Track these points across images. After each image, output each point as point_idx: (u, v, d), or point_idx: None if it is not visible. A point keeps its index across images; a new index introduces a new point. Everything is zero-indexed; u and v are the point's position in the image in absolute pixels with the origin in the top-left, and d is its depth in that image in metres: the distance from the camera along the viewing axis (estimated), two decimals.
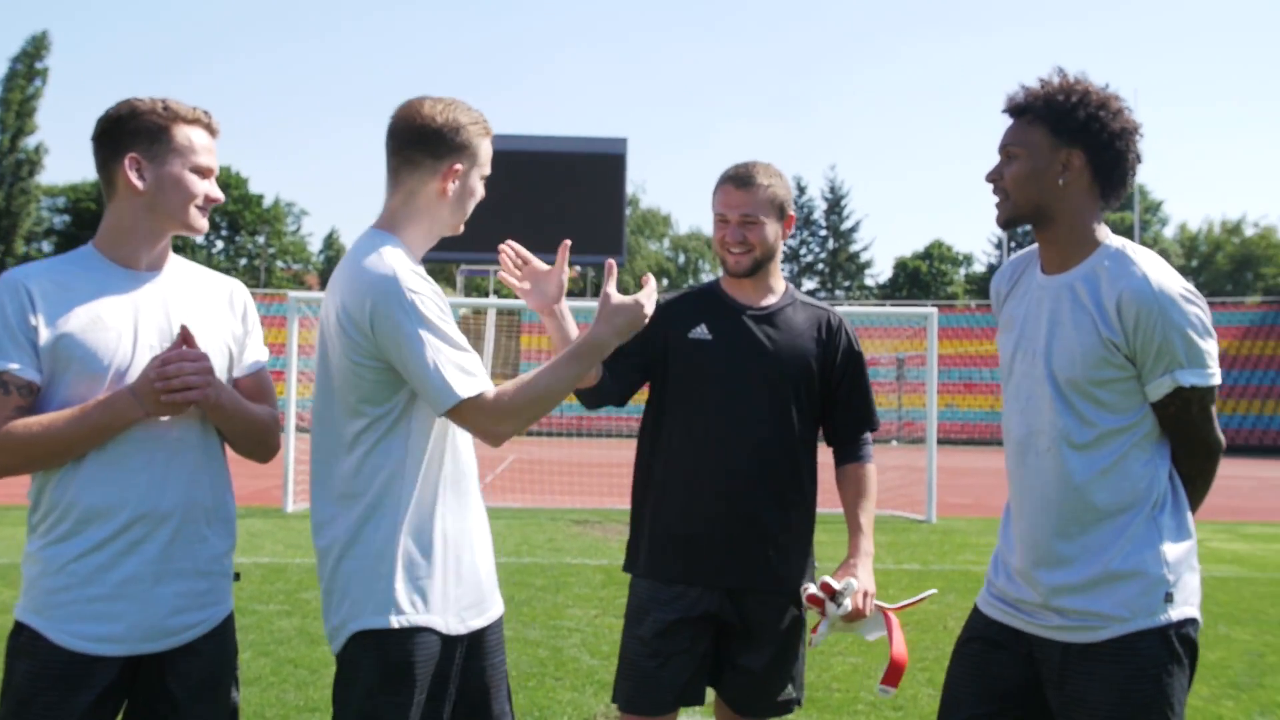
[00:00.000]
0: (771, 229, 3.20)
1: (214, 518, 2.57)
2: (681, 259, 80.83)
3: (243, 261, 70.72)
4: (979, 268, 74.84)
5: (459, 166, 2.59)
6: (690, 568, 3.13)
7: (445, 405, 2.43)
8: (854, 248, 75.62)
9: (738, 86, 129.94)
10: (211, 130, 2.59)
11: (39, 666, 2.39)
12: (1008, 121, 2.65)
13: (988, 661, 2.69)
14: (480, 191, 2.69)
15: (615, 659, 6.31)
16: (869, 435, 3.33)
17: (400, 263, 2.47)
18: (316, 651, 6.33)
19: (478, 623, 2.61)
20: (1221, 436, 2.61)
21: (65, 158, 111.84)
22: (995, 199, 2.67)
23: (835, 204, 75.18)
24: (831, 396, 3.27)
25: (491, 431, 2.48)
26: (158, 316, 2.52)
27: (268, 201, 72.44)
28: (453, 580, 2.54)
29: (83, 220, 62.02)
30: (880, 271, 78.43)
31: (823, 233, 75.13)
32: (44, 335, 2.40)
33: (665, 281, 78.28)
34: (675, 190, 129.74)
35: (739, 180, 3.20)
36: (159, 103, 2.52)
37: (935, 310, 17.02)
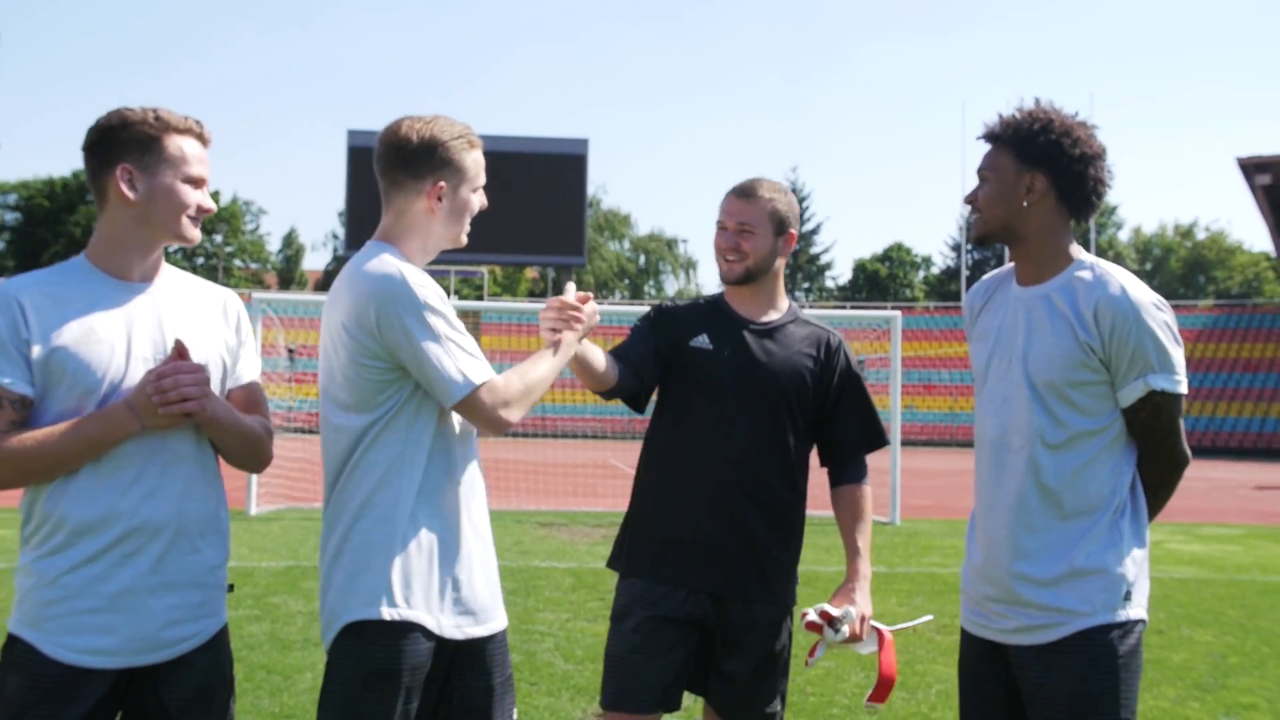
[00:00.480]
0: (766, 241, 3.23)
1: (207, 530, 2.56)
2: (642, 260, 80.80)
3: (200, 260, 69.87)
4: (937, 270, 75.47)
5: (443, 183, 2.63)
6: (677, 571, 3.15)
7: (462, 392, 2.49)
8: (815, 250, 76.03)
9: (699, 87, 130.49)
10: (203, 140, 2.58)
11: (32, 679, 2.38)
12: (985, 147, 2.81)
13: (982, 678, 2.83)
14: (476, 204, 2.73)
15: (590, 663, 6.32)
16: (864, 457, 3.35)
17: (402, 262, 2.54)
18: (289, 657, 6.29)
19: (476, 631, 2.62)
20: (1188, 451, 2.75)
21: (16, 155, 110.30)
22: (973, 217, 2.84)
23: None
24: (828, 416, 3.30)
25: (499, 418, 2.54)
26: (151, 328, 2.51)
27: (225, 200, 71.56)
28: (448, 583, 2.56)
29: (35, 218, 60.81)
30: (840, 274, 78.91)
31: None
32: (36, 349, 2.38)
33: (626, 282, 78.23)
34: (635, 191, 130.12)
35: (741, 191, 3.26)
36: (150, 112, 2.51)
37: (899, 313, 17.13)
